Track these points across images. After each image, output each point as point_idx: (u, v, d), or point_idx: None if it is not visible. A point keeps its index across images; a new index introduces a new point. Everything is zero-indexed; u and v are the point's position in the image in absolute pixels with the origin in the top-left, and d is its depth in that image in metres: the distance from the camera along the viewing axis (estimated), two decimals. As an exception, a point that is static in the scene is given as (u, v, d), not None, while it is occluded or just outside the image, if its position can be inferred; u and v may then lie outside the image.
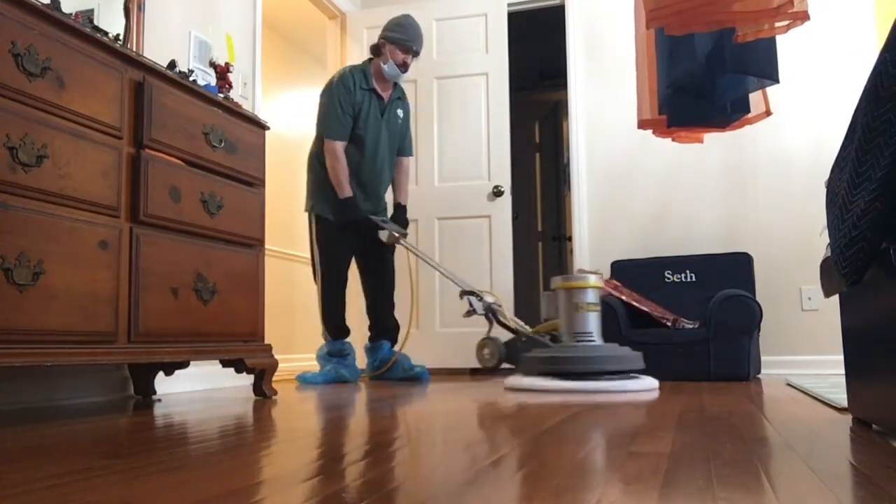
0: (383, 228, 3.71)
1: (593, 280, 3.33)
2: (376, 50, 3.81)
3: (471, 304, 3.59)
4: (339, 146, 3.66)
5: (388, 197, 4.05)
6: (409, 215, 4.55)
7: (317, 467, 1.24)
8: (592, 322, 3.26)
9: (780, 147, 4.31)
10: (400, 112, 3.91)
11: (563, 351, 3.19)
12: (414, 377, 3.81)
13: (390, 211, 4.03)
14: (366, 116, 3.71)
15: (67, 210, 2.00)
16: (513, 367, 3.50)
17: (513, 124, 4.74)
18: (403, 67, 3.75)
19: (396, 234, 3.72)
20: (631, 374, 3.11)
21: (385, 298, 3.91)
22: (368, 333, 3.95)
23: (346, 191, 3.65)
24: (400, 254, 4.67)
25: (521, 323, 3.64)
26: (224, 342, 2.65)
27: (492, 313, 3.61)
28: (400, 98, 3.93)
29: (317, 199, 3.77)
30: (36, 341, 1.88)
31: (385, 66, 3.74)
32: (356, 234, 3.73)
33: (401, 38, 3.73)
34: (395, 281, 3.98)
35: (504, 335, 3.59)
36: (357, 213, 3.67)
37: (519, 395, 2.84)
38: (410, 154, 4.08)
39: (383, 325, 3.91)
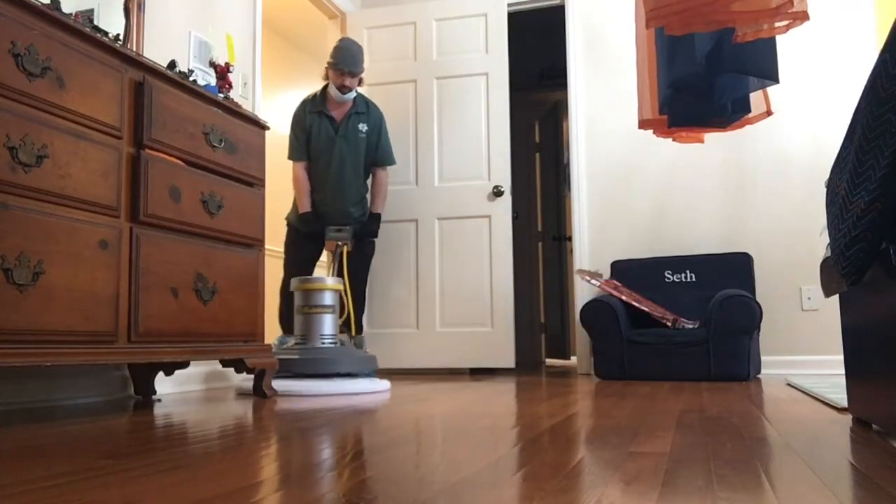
0: (330, 238, 3.90)
1: (331, 282, 3.36)
2: (325, 75, 4.09)
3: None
4: (298, 166, 4.04)
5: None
6: (410, 215, 4.56)
7: (316, 467, 1.24)
8: (327, 324, 3.30)
9: (780, 147, 4.31)
10: (362, 126, 4.07)
11: (289, 353, 3.19)
12: None
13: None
14: (317, 136, 4.02)
15: (67, 210, 2.00)
16: None
17: (513, 124, 4.73)
18: (343, 89, 3.96)
19: (340, 243, 3.89)
20: (360, 375, 3.17)
21: None
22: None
23: (305, 206, 4.01)
24: (401, 256, 4.68)
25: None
26: (224, 342, 2.65)
27: None
28: (363, 113, 4.08)
29: (291, 211, 4.15)
30: (36, 341, 1.88)
31: (330, 90, 4.02)
32: (315, 245, 4.04)
33: (333, 63, 3.97)
34: (364, 291, 4.15)
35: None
36: (314, 226, 3.96)
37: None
38: (390, 163, 4.19)
39: None
